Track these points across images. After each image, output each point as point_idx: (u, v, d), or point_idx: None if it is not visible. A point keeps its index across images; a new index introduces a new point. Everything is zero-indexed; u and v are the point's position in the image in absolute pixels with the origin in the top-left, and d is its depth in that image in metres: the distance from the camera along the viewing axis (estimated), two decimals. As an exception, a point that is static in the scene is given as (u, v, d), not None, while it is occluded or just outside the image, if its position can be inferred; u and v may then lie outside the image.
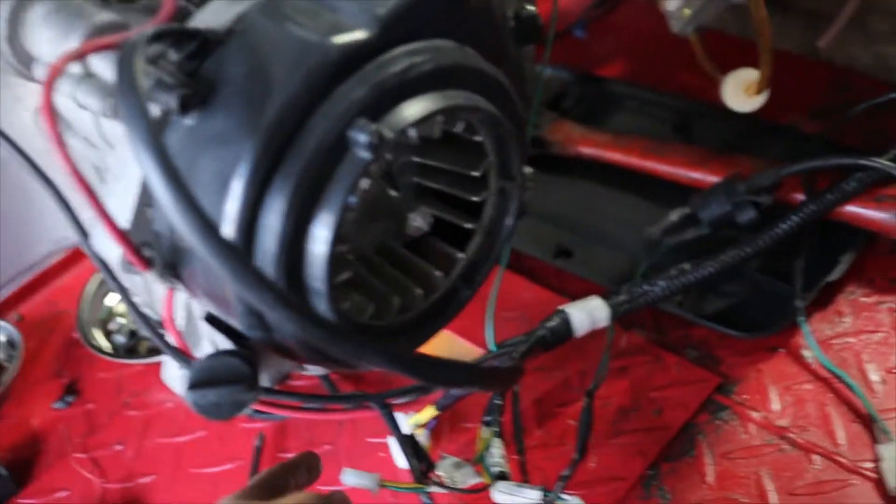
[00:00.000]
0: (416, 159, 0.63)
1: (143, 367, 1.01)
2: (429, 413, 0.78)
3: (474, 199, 0.62)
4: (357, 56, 0.52)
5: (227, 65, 0.53)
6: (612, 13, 1.25)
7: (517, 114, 0.60)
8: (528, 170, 0.62)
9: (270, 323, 0.54)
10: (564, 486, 0.70)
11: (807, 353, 0.83)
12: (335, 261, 0.55)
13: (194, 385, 0.52)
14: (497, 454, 0.72)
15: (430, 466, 0.72)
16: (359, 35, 0.52)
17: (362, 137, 0.50)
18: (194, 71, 0.53)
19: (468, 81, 0.56)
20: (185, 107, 0.51)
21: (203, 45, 0.53)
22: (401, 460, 0.80)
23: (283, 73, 0.51)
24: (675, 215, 0.92)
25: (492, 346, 0.80)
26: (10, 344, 1.05)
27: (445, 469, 0.71)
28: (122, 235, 0.53)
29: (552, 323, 0.81)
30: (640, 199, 1.01)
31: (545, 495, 0.68)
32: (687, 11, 0.96)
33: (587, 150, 1.03)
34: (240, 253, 0.45)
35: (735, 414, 0.81)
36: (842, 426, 0.78)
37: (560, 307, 0.82)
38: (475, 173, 0.61)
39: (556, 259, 0.97)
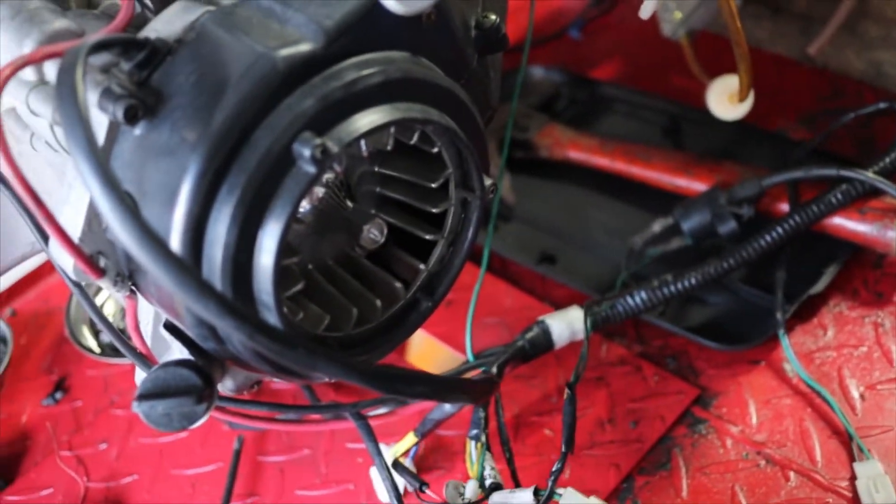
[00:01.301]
0: (377, 169, 0.62)
1: (130, 366, 1.01)
2: (409, 441, 0.78)
3: (433, 210, 0.62)
4: (303, 68, 0.51)
5: (176, 74, 0.53)
6: (610, 14, 1.24)
7: (476, 125, 0.59)
8: (488, 181, 0.61)
9: (221, 334, 0.54)
10: (556, 480, 0.68)
11: (788, 367, 0.82)
12: (285, 272, 0.55)
13: (143, 396, 0.52)
14: (489, 467, 0.72)
15: (423, 485, 0.72)
16: (305, 47, 0.51)
17: (306, 151, 0.49)
18: (144, 80, 0.53)
19: (421, 93, 0.55)
20: (130, 117, 0.51)
21: (152, 55, 0.53)
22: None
23: (230, 85, 0.51)
24: (657, 225, 0.91)
25: (470, 355, 0.80)
26: (2, 340, 1.06)
27: (450, 494, 0.70)
28: (72, 244, 0.53)
29: (532, 334, 0.80)
30: (628, 205, 1.00)
31: (537, 493, 0.67)
32: (678, 14, 0.95)
33: (575, 155, 1.02)
34: (180, 261, 0.45)
35: (712, 427, 0.80)
36: (819, 443, 0.77)
37: (540, 318, 0.81)
38: (433, 185, 0.60)
39: (539, 265, 0.97)
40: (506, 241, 1.00)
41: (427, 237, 0.63)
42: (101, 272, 0.54)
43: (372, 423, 0.81)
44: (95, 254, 0.55)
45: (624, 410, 0.83)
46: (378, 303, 0.61)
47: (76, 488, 0.93)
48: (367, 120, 0.52)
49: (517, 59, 1.23)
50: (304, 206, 0.58)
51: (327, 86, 0.51)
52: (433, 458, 0.84)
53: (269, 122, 0.50)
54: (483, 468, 0.71)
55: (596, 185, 1.02)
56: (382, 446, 0.74)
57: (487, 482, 0.71)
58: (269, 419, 0.77)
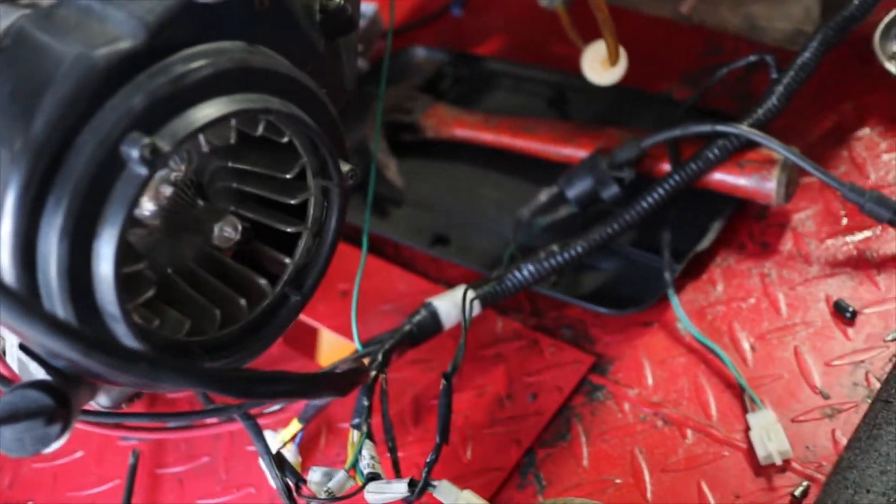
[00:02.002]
0: (230, 164, 0.60)
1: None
2: (294, 427, 0.76)
3: (292, 202, 0.60)
4: (126, 66, 0.49)
5: (-7, 84, 0.50)
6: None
7: (325, 111, 0.58)
8: (346, 167, 0.60)
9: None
10: (430, 471, 0.68)
11: (680, 326, 0.82)
12: (133, 279, 0.53)
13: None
14: (367, 455, 0.71)
15: (300, 482, 0.71)
16: (125, 44, 0.49)
17: (134, 152, 0.47)
18: (-40, 92, 0.50)
19: (260, 82, 0.53)
20: (-57, 133, 0.48)
21: (-35, 64, 0.50)
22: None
23: (48, 90, 0.48)
24: (544, 195, 0.90)
25: (357, 344, 0.78)
26: None
27: (316, 481, 0.69)
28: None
29: (419, 317, 0.79)
30: (517, 179, 0.99)
31: (411, 484, 0.66)
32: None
33: (461, 133, 1.01)
34: None
35: (610, 393, 0.80)
36: (714, 398, 0.77)
37: (427, 300, 0.80)
38: (288, 175, 0.59)
39: (432, 247, 0.95)
40: (398, 226, 0.98)
41: (288, 230, 0.61)
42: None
43: (267, 419, 0.80)
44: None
45: (522, 385, 0.82)
46: (242, 302, 0.59)
47: (-29, 522, 0.89)
48: (200, 114, 0.50)
49: (407, 40, 1.22)
50: (151, 207, 0.56)
51: (153, 82, 0.49)
52: (328, 446, 0.83)
53: (92, 125, 0.48)
54: (358, 458, 0.70)
55: (485, 161, 1.01)
56: (268, 434, 0.72)
57: (366, 471, 0.69)
58: (156, 428, 0.75)
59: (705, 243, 0.85)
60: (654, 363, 0.81)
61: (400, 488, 0.67)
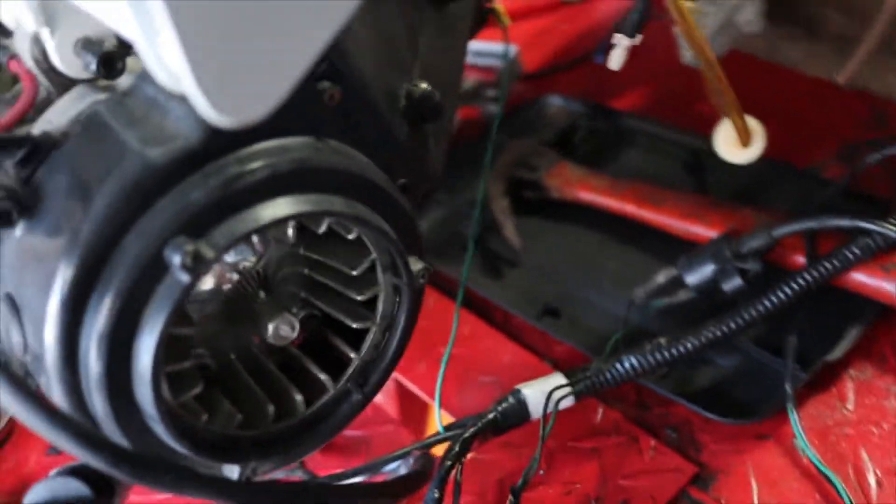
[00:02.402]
0: (302, 252, 0.58)
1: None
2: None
3: (358, 297, 0.57)
4: (180, 166, 0.47)
5: (56, 172, 0.50)
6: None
7: (398, 207, 0.54)
8: (417, 265, 0.56)
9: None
10: None
11: (798, 444, 0.74)
12: (179, 376, 0.52)
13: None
14: None
15: None
16: (181, 143, 0.47)
17: (176, 258, 0.45)
18: (27, 178, 0.50)
19: (324, 182, 0.50)
20: (5, 220, 0.48)
21: (33, 151, 0.50)
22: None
23: (104, 185, 0.47)
24: (662, 276, 0.83)
25: (439, 426, 0.74)
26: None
27: None
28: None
29: (506, 404, 0.75)
30: (639, 252, 0.92)
31: None
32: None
33: (585, 196, 0.95)
34: (27, 393, 0.42)
35: (710, 510, 0.73)
36: (828, 536, 0.68)
37: (518, 387, 0.75)
38: (355, 272, 0.56)
39: (541, 320, 0.90)
40: (509, 291, 0.94)
41: (354, 325, 0.58)
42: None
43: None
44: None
45: (615, 487, 0.76)
46: (299, 397, 0.57)
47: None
48: (251, 218, 0.48)
49: (546, 87, 1.17)
50: (212, 291, 0.55)
51: (206, 183, 0.47)
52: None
53: (140, 227, 0.47)
54: None
55: (608, 227, 0.95)
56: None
57: None
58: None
59: (838, 352, 0.76)
60: (764, 484, 0.73)
61: None
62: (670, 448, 0.77)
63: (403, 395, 0.91)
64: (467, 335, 0.93)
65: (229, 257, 0.55)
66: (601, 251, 0.94)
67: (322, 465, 0.85)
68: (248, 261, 0.56)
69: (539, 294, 0.93)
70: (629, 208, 0.91)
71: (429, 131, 0.60)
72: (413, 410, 0.92)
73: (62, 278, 0.47)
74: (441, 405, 0.86)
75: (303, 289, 0.59)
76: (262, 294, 0.56)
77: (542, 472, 0.79)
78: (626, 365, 0.75)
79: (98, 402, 0.48)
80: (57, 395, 0.48)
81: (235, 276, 0.56)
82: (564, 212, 0.99)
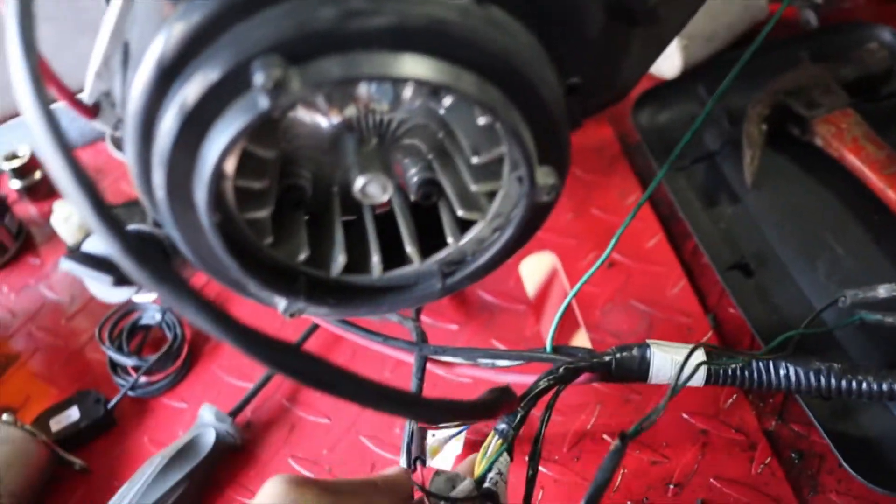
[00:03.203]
0: (441, 112, 0.51)
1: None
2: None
3: (473, 186, 0.50)
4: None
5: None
6: None
7: (542, 109, 0.46)
8: (548, 179, 0.48)
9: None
10: None
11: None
12: (248, 191, 0.49)
13: (78, 256, 0.50)
14: (495, 470, 0.62)
15: (416, 462, 0.66)
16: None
17: (259, 77, 0.41)
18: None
19: (461, 53, 0.43)
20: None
21: None
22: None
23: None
24: (883, 290, 0.69)
25: (548, 344, 0.68)
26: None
27: (438, 486, 0.59)
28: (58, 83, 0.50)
29: (626, 353, 0.66)
30: (879, 250, 0.77)
31: None
32: None
33: (851, 160, 0.80)
34: (85, 182, 0.40)
35: (789, 562, 0.63)
36: None
37: (648, 341, 0.66)
38: (475, 159, 0.49)
39: (727, 272, 0.79)
40: (712, 225, 0.83)
41: (460, 212, 0.52)
42: (91, 113, 0.52)
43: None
44: (102, 95, 0.52)
45: (700, 483, 0.68)
46: (375, 259, 0.53)
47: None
48: (354, 65, 0.42)
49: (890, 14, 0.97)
50: (325, 121, 0.50)
51: (321, 9, 0.41)
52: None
53: (243, 27, 0.42)
54: (488, 470, 0.62)
55: (858, 207, 0.80)
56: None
57: (485, 484, 0.61)
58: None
59: None
60: (864, 568, 0.62)
61: None
62: (785, 474, 0.67)
63: (551, 280, 0.85)
64: (644, 249, 0.84)
65: (363, 91, 0.50)
66: (835, 228, 0.79)
67: (438, 311, 0.83)
68: (381, 105, 0.50)
69: (741, 243, 0.81)
70: (892, 195, 0.75)
71: (636, 35, 0.50)
72: (545, 298, 0.85)
73: (164, 39, 0.44)
74: (583, 316, 0.80)
75: (431, 150, 0.53)
76: (374, 141, 0.51)
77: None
78: (781, 374, 0.64)
79: (158, 183, 0.46)
80: (130, 159, 0.47)
81: (353, 112, 0.50)
82: (820, 166, 0.83)
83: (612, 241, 0.68)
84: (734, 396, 0.72)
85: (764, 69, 0.83)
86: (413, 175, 0.53)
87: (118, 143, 1.03)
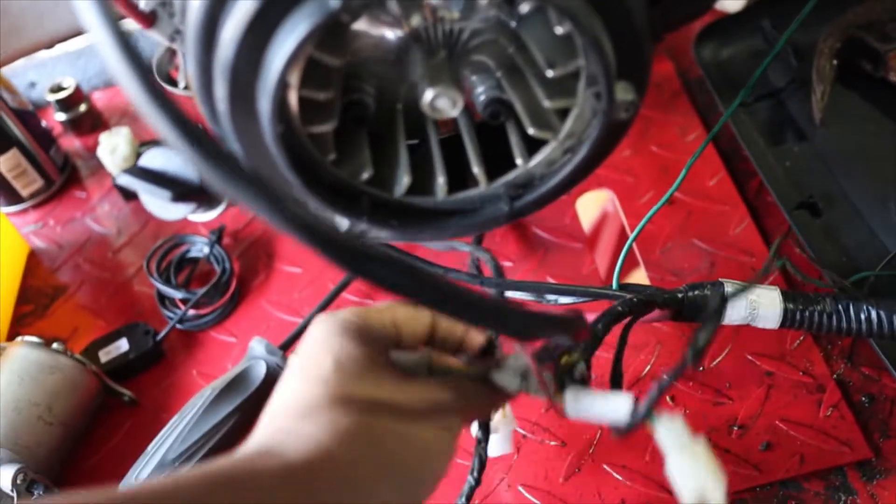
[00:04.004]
0: (514, 25, 0.49)
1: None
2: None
3: (547, 102, 0.48)
4: None
5: None
6: None
7: (627, 19, 0.43)
8: (627, 95, 0.46)
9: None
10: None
11: None
12: (313, 104, 0.47)
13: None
14: (577, 373, 0.55)
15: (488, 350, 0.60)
16: None
17: (331, -26, 0.39)
18: None
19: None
20: None
21: None
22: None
23: None
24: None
25: (615, 282, 0.65)
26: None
27: (510, 367, 0.54)
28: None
29: (698, 291, 0.63)
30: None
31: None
32: None
33: (926, 97, 0.76)
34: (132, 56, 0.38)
35: (858, 505, 0.61)
36: None
37: (722, 280, 0.63)
38: (551, 72, 0.46)
39: (794, 212, 0.76)
40: (777, 166, 0.79)
41: (532, 131, 0.49)
42: (148, 21, 0.49)
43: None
44: (158, 4, 0.50)
45: (766, 425, 0.65)
46: (441, 181, 0.50)
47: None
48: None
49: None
50: (390, 32, 0.48)
51: None
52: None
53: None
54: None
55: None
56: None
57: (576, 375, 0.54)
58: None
59: None
60: (938, 512, 0.59)
61: (620, 404, 0.45)
62: (854, 418, 0.64)
63: (608, 217, 0.83)
64: (705, 187, 0.81)
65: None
66: (908, 167, 0.76)
67: (491, 246, 0.80)
68: (451, 13, 0.47)
69: (809, 182, 0.78)
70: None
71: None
72: (601, 236, 0.82)
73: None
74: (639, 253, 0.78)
75: (500, 67, 0.51)
76: (442, 53, 0.49)
77: (701, 368, 0.70)
78: (863, 317, 0.60)
79: (220, 95, 0.44)
80: (191, 71, 0.45)
81: (421, 22, 0.48)
82: (894, 103, 0.80)
83: (680, 177, 0.65)
84: (801, 338, 0.69)
85: (833, 2, 0.79)
86: (481, 93, 0.51)
87: (161, 74, 1.02)
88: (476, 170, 0.51)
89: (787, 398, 0.67)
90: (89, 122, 1.02)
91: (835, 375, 0.67)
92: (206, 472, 0.35)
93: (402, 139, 0.51)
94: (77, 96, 1.00)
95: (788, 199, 0.76)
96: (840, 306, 0.61)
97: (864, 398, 0.66)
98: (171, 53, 1.04)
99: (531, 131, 0.49)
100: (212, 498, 0.34)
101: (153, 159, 0.50)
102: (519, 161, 0.51)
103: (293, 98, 0.45)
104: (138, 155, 0.92)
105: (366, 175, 0.50)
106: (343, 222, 0.50)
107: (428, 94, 0.46)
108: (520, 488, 0.66)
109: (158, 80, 1.01)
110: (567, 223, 0.81)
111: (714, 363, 0.69)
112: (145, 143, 0.94)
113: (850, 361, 0.68)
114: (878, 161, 0.77)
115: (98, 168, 0.97)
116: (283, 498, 0.36)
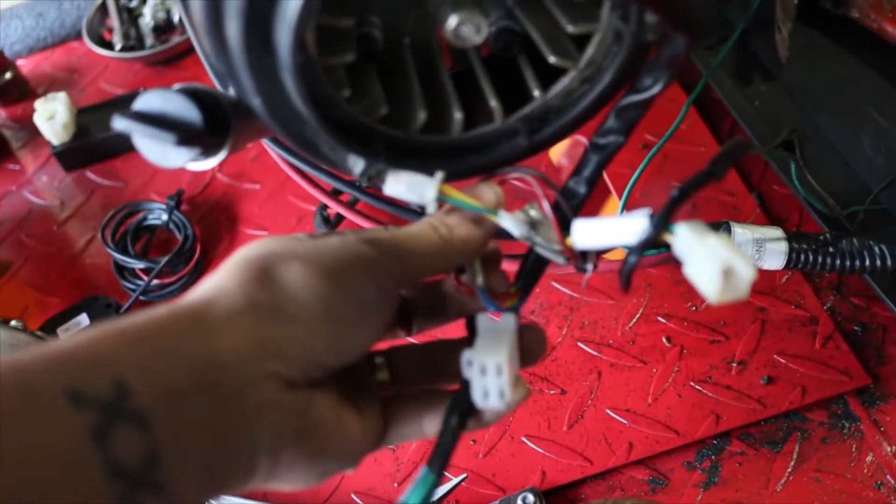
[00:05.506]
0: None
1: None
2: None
3: (569, 27, 0.46)
4: None
5: None
6: None
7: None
8: (651, 17, 0.44)
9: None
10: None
11: None
12: (329, 32, 0.43)
13: (131, 114, 0.44)
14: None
15: None
16: None
17: None
18: None
19: None
20: None
21: None
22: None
23: None
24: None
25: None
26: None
27: (517, 217, 0.44)
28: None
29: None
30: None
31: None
32: None
33: (891, 31, 0.77)
34: None
35: (860, 432, 0.62)
36: None
37: (729, 221, 0.62)
38: (575, -6, 0.44)
39: (773, 150, 0.76)
40: (747, 106, 0.79)
41: (551, 59, 0.47)
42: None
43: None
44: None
45: (765, 360, 0.66)
46: (458, 116, 0.48)
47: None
48: None
49: None
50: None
51: None
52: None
53: None
54: None
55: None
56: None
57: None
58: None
59: None
60: (938, 431, 0.60)
61: (634, 220, 0.41)
62: (849, 347, 0.65)
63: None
64: (678, 130, 0.80)
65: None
66: (876, 101, 0.77)
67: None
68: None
69: (783, 121, 0.78)
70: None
71: None
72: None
73: None
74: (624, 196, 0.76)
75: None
76: (458, -22, 0.46)
77: (694, 308, 0.69)
78: (866, 253, 0.60)
79: (232, 32, 0.41)
80: (197, 6, 0.42)
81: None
82: (855, 40, 0.80)
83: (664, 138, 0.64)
84: (789, 273, 0.70)
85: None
86: (491, 24, 0.48)
87: (93, 36, 0.95)
88: (493, 103, 0.48)
89: (782, 332, 0.67)
90: (16, 91, 0.95)
91: (826, 307, 0.68)
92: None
93: (413, 74, 0.48)
94: (1, 63, 0.93)
95: (762, 138, 0.76)
96: (845, 245, 0.61)
97: (856, 327, 0.67)
98: (102, 14, 0.98)
99: (552, 59, 0.47)
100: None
101: (150, 102, 0.45)
102: (536, 93, 0.48)
103: (310, 29, 0.41)
104: (78, 121, 0.86)
105: (382, 111, 0.47)
106: (358, 164, 0.47)
107: (452, 21, 0.43)
108: (524, 439, 0.64)
109: (90, 41, 0.95)
110: (542, 171, 0.79)
111: (706, 303, 0.69)
112: (84, 108, 0.88)
113: (839, 293, 0.69)
114: (846, 97, 0.78)
115: (31, 139, 0.90)
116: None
